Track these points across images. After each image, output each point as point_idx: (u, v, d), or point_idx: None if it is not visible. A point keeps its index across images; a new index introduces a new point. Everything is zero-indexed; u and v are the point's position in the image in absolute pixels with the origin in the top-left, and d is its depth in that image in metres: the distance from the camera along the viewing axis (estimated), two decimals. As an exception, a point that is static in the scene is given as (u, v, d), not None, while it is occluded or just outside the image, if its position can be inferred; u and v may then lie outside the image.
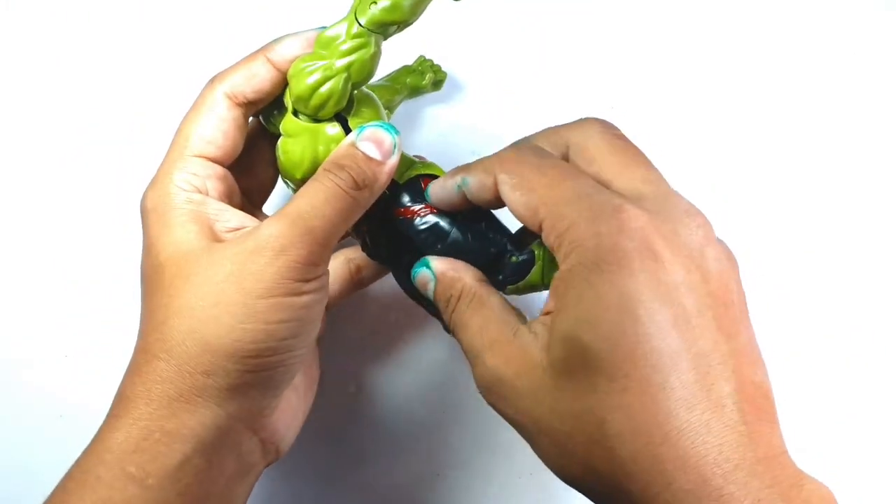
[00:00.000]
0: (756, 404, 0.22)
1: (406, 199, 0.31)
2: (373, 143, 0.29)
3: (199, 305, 0.26)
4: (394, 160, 0.29)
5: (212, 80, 0.30)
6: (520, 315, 0.27)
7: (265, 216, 0.31)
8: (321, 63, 0.28)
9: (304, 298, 0.27)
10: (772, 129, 0.44)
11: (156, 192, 0.29)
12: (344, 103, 0.29)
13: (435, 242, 0.30)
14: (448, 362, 0.41)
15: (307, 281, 0.27)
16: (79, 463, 0.26)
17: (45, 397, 0.40)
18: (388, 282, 0.42)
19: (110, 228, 0.42)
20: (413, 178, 0.31)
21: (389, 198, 0.31)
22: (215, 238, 0.28)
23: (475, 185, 0.28)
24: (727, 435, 0.21)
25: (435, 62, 0.42)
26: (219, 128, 0.30)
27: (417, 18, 0.29)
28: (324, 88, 0.28)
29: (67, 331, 0.41)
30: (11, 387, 0.40)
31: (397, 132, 0.29)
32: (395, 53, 0.44)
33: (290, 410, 0.30)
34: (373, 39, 0.29)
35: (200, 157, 0.29)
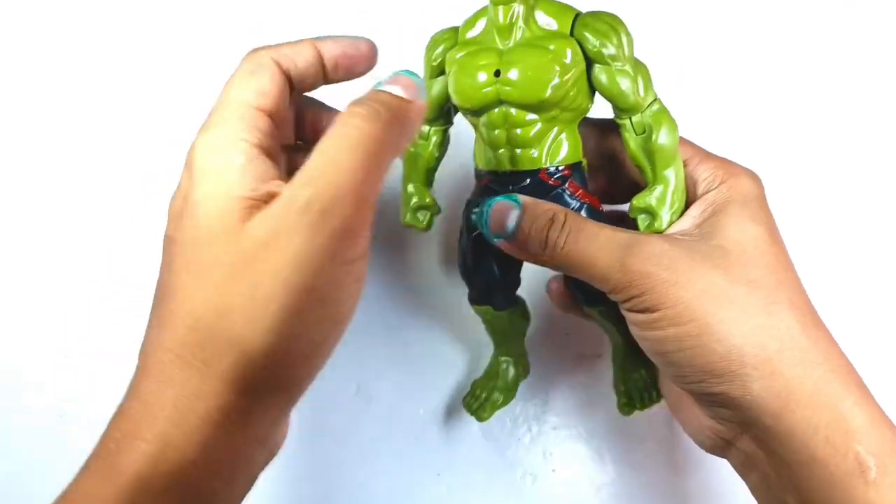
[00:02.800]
0: None
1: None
2: (399, 85, 0.27)
3: (239, 304, 0.23)
4: (421, 101, 0.27)
5: (254, 50, 0.28)
6: None
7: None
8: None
9: (346, 278, 0.24)
10: (777, 124, 0.44)
11: (210, 142, 0.26)
12: None
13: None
14: (448, 363, 0.41)
15: (350, 262, 0.24)
16: (85, 491, 0.24)
17: (45, 397, 0.40)
18: (391, 284, 0.42)
19: (111, 229, 0.42)
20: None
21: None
22: (258, 208, 0.24)
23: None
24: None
25: None
26: (272, 81, 0.27)
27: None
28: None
29: (67, 331, 0.41)
30: (11, 387, 0.41)
31: (419, 81, 0.28)
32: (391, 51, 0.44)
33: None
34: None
35: (257, 108, 0.27)
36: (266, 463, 0.28)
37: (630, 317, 0.29)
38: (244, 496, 0.27)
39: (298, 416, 0.41)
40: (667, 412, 0.41)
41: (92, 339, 0.41)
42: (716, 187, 0.30)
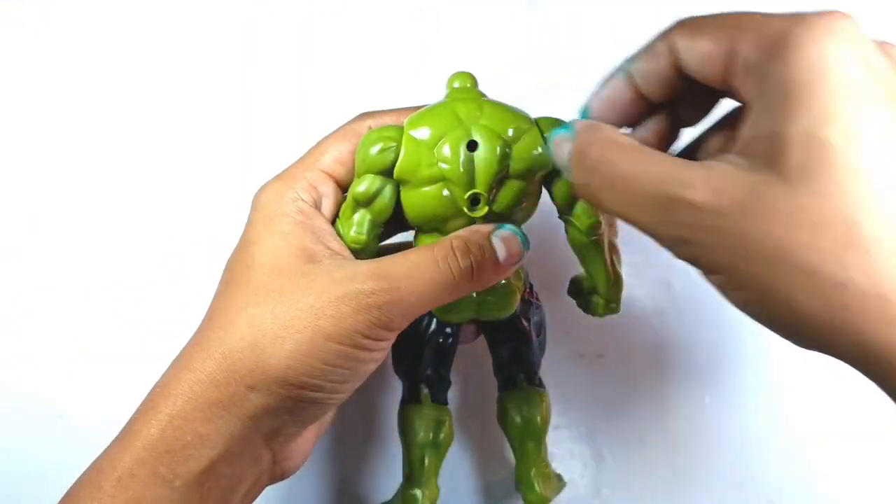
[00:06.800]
0: None
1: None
2: (505, 245, 0.29)
3: (271, 323, 0.26)
4: (511, 271, 0.29)
5: (362, 114, 0.31)
6: None
7: None
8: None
9: (366, 354, 0.27)
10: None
11: (272, 191, 0.29)
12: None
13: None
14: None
15: (377, 340, 0.27)
16: (111, 454, 0.26)
17: (45, 397, 0.40)
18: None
19: (112, 231, 0.42)
20: None
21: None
22: (312, 257, 0.28)
23: (649, 62, 0.26)
24: None
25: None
26: (352, 151, 0.30)
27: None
28: None
29: (68, 331, 0.41)
30: (11, 387, 0.41)
31: (528, 248, 0.29)
32: (395, 60, 0.43)
33: (306, 439, 0.31)
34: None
35: (327, 173, 0.30)
36: (271, 477, 0.30)
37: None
38: (250, 497, 0.29)
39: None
40: (666, 411, 0.41)
41: (93, 339, 0.41)
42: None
